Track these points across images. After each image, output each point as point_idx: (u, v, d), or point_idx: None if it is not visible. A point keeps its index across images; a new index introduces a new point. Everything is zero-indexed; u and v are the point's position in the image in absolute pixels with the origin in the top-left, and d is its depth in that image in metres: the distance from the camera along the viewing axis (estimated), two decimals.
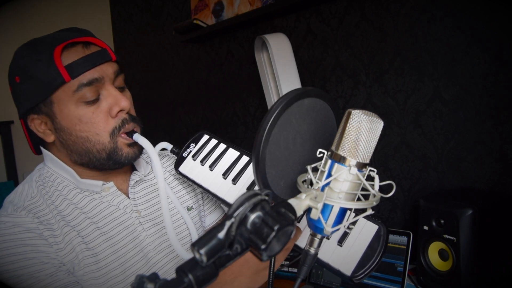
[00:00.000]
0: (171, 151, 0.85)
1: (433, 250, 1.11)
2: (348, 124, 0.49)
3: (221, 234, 0.39)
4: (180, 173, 0.84)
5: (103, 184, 0.84)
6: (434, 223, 1.09)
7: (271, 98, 1.70)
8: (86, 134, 0.78)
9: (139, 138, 0.80)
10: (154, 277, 0.38)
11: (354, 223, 0.71)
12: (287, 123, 0.54)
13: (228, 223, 0.40)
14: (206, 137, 0.86)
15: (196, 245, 0.38)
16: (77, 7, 2.82)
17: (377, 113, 0.51)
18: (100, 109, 0.78)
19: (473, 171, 1.22)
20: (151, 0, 2.50)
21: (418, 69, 1.32)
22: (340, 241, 0.70)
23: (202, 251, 0.38)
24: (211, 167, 0.82)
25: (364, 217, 0.71)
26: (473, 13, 1.18)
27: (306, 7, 1.62)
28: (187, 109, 2.34)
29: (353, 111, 0.49)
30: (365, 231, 0.70)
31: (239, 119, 2.02)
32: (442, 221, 1.07)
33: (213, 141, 0.85)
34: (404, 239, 1.19)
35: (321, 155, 0.52)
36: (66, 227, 0.77)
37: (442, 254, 1.10)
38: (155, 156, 0.77)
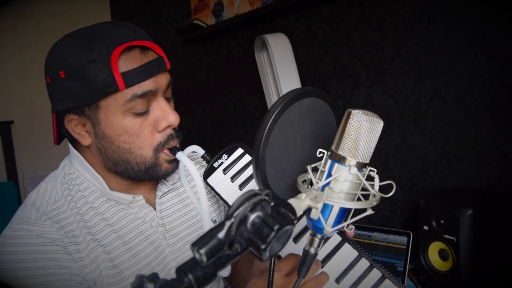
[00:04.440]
0: (202, 157, 0.81)
1: (433, 250, 1.11)
2: (348, 124, 0.49)
3: (221, 234, 0.39)
4: (208, 184, 0.80)
5: (133, 198, 0.80)
6: (434, 223, 1.09)
7: (271, 98, 1.70)
8: (129, 146, 0.73)
9: (182, 157, 0.75)
10: (154, 277, 0.38)
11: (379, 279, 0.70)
12: (287, 123, 0.54)
13: (228, 223, 0.40)
14: (240, 151, 0.82)
15: (196, 245, 0.38)
16: (77, 8, 2.82)
17: (377, 113, 0.51)
18: (147, 122, 0.73)
19: (473, 171, 1.22)
20: (151, 0, 2.50)
21: (418, 69, 1.32)
22: None
23: (202, 251, 0.38)
24: (241, 186, 0.79)
25: (391, 280, 0.69)
26: (473, 13, 1.18)
27: (306, 7, 1.62)
28: (187, 109, 2.34)
29: (353, 111, 0.49)
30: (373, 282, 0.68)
31: (239, 119, 2.02)
32: (442, 221, 1.07)
33: (247, 158, 0.81)
34: (404, 239, 1.20)
35: (321, 155, 0.52)
36: (93, 242, 0.73)
37: (442, 254, 1.10)
38: (198, 177, 0.72)
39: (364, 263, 0.70)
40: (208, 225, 0.72)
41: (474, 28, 1.18)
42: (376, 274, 0.69)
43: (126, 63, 0.69)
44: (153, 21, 2.50)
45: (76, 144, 0.80)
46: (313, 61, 1.64)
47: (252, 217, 0.40)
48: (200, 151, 0.80)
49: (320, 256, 0.71)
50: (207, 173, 0.81)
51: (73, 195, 0.76)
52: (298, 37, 1.68)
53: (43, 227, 0.70)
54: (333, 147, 0.51)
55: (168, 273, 0.81)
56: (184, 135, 2.42)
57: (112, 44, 0.67)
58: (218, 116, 2.15)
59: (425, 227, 1.11)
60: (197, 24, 1.92)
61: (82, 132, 0.75)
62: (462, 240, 1.03)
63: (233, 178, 0.79)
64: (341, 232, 0.72)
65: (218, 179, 0.80)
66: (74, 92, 0.69)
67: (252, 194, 0.41)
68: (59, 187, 0.76)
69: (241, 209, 0.40)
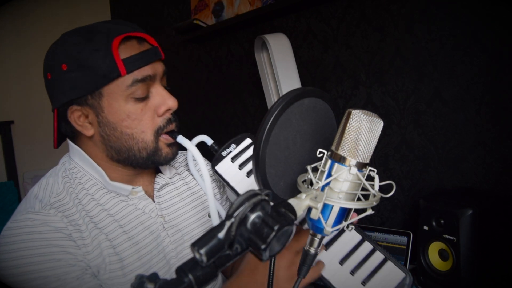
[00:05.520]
0: (211, 147, 0.84)
1: (433, 250, 1.11)
2: (348, 124, 0.49)
3: (221, 234, 0.39)
4: (216, 172, 0.82)
5: (132, 188, 0.82)
6: (434, 223, 1.09)
7: (271, 98, 1.70)
8: (132, 131, 0.77)
9: (182, 140, 0.79)
10: (154, 277, 0.38)
11: (381, 262, 0.72)
12: (287, 123, 0.54)
13: (228, 223, 0.40)
14: (248, 141, 0.84)
15: (196, 245, 0.38)
16: (77, 8, 2.82)
17: (377, 113, 0.51)
18: (148, 107, 0.77)
19: (473, 171, 1.22)
20: (151, 0, 2.50)
21: (418, 69, 1.32)
22: (365, 282, 0.70)
23: (202, 251, 0.38)
24: (249, 173, 0.80)
25: (393, 262, 0.72)
26: (473, 13, 1.18)
27: (306, 7, 1.62)
28: (187, 109, 2.34)
29: (353, 111, 0.49)
30: (391, 277, 0.70)
31: (239, 119, 2.02)
32: (442, 221, 1.07)
33: None
34: (404, 239, 1.20)
35: (321, 155, 0.52)
36: (95, 229, 0.75)
37: (442, 254, 1.10)
38: (200, 158, 0.77)
39: (367, 246, 0.73)
40: (212, 201, 0.75)
41: (474, 28, 1.18)
42: (378, 256, 0.72)
43: (126, 51, 0.74)
44: (153, 21, 2.50)
45: (76, 140, 0.83)
46: (313, 61, 1.64)
47: (252, 217, 0.40)
48: (209, 141, 0.83)
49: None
50: (215, 161, 0.83)
51: (74, 187, 0.78)
52: (298, 37, 1.68)
53: (48, 216, 0.71)
54: (333, 147, 0.51)
55: (168, 262, 0.83)
56: (184, 135, 2.42)
57: (112, 35, 0.73)
58: (218, 116, 2.15)
59: (425, 227, 1.11)
60: (197, 24, 1.92)
61: (85, 124, 0.78)
62: (462, 240, 1.03)
63: (241, 166, 0.81)
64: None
65: (226, 167, 0.82)
66: (77, 82, 0.73)
67: (252, 194, 0.41)
68: (61, 181, 0.79)
69: (241, 209, 0.40)
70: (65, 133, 0.83)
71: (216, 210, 0.75)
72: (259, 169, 0.53)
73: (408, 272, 0.70)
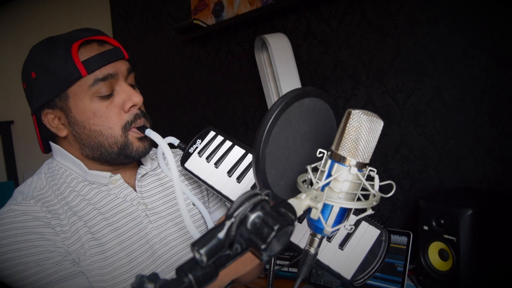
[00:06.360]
0: (178, 146, 0.87)
1: (433, 250, 1.11)
2: (348, 124, 0.49)
3: (221, 234, 0.39)
4: (186, 169, 0.85)
5: (110, 176, 0.85)
6: (434, 223, 1.09)
7: (271, 98, 1.70)
8: (100, 127, 0.80)
9: (151, 133, 0.82)
10: (154, 277, 0.38)
11: (355, 223, 0.72)
12: (287, 123, 0.54)
13: (228, 223, 0.40)
14: (212, 133, 0.87)
15: (196, 245, 0.38)
16: (77, 8, 2.82)
17: (377, 113, 0.51)
18: (113, 104, 0.81)
19: (473, 171, 1.22)
20: (151, 0, 2.50)
21: (418, 69, 1.32)
22: (342, 245, 0.71)
23: (202, 251, 0.38)
24: (217, 164, 0.83)
25: (367, 221, 0.72)
26: (473, 13, 1.18)
27: (306, 7, 1.62)
28: (187, 109, 2.34)
29: (353, 111, 0.49)
30: (366, 236, 0.71)
31: (239, 119, 2.02)
32: (442, 221, 1.07)
33: (219, 138, 0.86)
34: (404, 239, 1.19)
35: (321, 155, 0.52)
36: (73, 216, 0.78)
37: (442, 254, 1.10)
38: (167, 148, 0.78)
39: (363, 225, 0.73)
40: (177, 184, 0.76)
41: (474, 28, 1.18)
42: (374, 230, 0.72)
43: (86, 53, 0.78)
44: (153, 21, 2.50)
45: (55, 142, 0.87)
46: (313, 61, 1.64)
47: (252, 217, 0.40)
48: (175, 141, 0.86)
49: None
50: (184, 159, 0.85)
51: (56, 182, 0.83)
52: (298, 37, 1.68)
53: (27, 206, 0.76)
54: (333, 147, 0.51)
55: (151, 247, 0.85)
56: (184, 135, 2.42)
57: (72, 40, 0.78)
58: (218, 116, 2.15)
59: (425, 227, 1.11)
60: (197, 24, 1.92)
61: (59, 126, 0.83)
62: (462, 240, 1.03)
63: (208, 158, 0.84)
64: None
65: (195, 163, 0.84)
66: (45, 87, 0.79)
67: (252, 194, 0.41)
68: (43, 177, 0.83)
69: (241, 209, 0.40)
70: (45, 136, 0.87)
71: (181, 192, 0.77)
72: (259, 169, 0.53)
73: (383, 228, 0.70)
